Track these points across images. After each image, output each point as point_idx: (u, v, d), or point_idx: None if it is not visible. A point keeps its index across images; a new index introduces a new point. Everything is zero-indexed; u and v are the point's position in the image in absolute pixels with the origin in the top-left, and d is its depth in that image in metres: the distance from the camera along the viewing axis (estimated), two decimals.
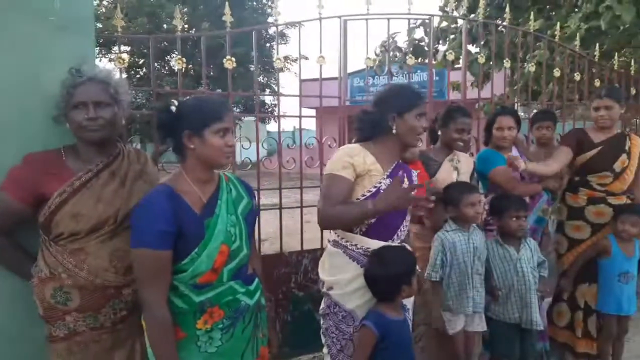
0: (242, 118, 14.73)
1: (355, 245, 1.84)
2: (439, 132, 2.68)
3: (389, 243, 1.86)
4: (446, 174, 2.57)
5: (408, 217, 1.96)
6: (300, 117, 3.18)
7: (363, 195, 1.82)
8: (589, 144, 2.86)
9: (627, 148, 2.83)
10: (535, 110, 3.65)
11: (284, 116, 3.50)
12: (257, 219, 1.78)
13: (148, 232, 1.42)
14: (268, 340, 1.76)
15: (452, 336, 2.36)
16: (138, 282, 1.47)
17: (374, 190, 1.82)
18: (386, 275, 1.75)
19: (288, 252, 3.07)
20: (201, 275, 1.49)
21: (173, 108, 1.55)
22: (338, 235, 1.88)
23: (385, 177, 1.86)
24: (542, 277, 2.53)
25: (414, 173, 2.06)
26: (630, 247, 2.72)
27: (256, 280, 1.68)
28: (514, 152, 2.82)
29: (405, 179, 1.93)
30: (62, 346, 1.62)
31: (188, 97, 1.65)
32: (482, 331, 2.44)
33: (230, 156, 1.58)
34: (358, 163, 1.81)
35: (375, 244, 1.82)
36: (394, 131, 1.86)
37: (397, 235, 1.90)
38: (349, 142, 2.13)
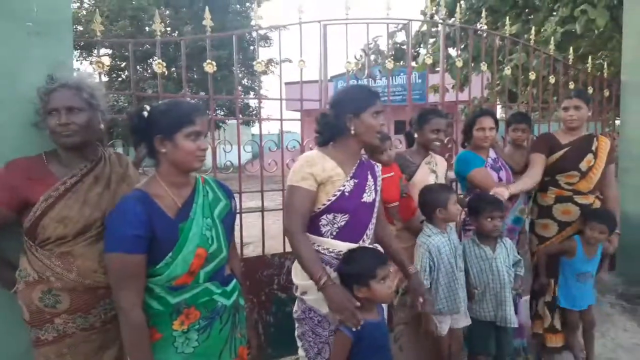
0: (226, 121, 14.66)
1: (327, 249, 1.85)
2: (415, 135, 2.72)
3: (360, 244, 1.88)
4: (424, 176, 2.62)
5: (373, 221, 1.96)
6: (281, 120, 3.21)
7: (329, 200, 1.83)
8: (557, 146, 2.95)
9: (593, 148, 2.93)
10: (511, 112, 3.73)
11: (266, 119, 3.52)
12: (235, 220, 1.78)
13: (122, 237, 1.42)
14: (247, 341, 1.77)
15: (439, 336, 2.39)
16: (112, 285, 1.46)
17: (338, 193, 1.83)
18: (342, 275, 1.78)
19: (270, 255, 3.09)
20: (177, 278, 1.49)
21: (145, 113, 1.54)
22: (310, 241, 1.88)
23: (348, 179, 1.87)
24: (518, 275, 2.59)
25: (377, 168, 2.07)
26: (593, 249, 2.80)
27: (233, 281, 1.69)
28: (491, 153, 2.88)
29: (369, 176, 1.95)
30: (51, 349, 1.62)
31: (161, 101, 1.63)
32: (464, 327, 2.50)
33: (203, 160, 1.57)
34: (317, 172, 1.82)
35: (346, 246, 1.84)
36: (352, 132, 1.87)
37: (367, 235, 1.92)
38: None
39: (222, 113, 16.44)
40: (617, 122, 5.15)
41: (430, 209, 2.37)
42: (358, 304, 1.73)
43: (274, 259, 3.07)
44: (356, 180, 1.89)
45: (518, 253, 2.73)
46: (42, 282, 1.60)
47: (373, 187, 1.96)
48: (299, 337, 1.96)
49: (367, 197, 1.92)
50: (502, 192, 2.54)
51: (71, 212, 1.60)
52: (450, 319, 2.42)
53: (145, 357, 1.44)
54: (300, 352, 1.97)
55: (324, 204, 1.84)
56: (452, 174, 3.12)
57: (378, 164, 2.15)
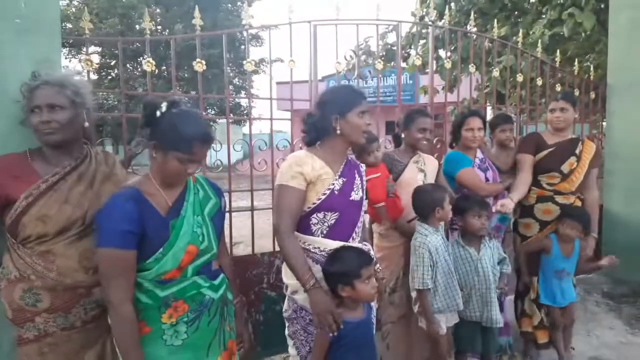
0: (217, 120, 14.63)
1: (318, 247, 1.87)
2: (402, 135, 2.75)
3: (349, 242, 1.90)
4: (411, 175, 2.64)
5: (361, 219, 1.99)
6: (271, 119, 3.22)
7: (319, 199, 1.84)
8: (543, 146, 3.01)
9: (577, 152, 2.98)
10: (494, 115, 3.77)
11: (257, 119, 3.53)
12: (224, 218, 1.79)
13: (113, 232, 1.44)
14: (237, 335, 1.79)
15: (435, 336, 2.39)
16: (102, 280, 1.48)
17: (328, 192, 1.85)
18: (326, 274, 1.79)
19: (260, 253, 3.09)
20: (166, 273, 1.52)
21: (158, 113, 1.51)
22: (300, 239, 1.89)
23: (337, 177, 1.89)
24: (504, 273, 2.62)
25: (362, 167, 2.11)
26: (569, 248, 2.85)
27: (221, 275, 1.71)
28: (479, 154, 2.91)
29: (356, 175, 1.99)
30: (32, 348, 1.62)
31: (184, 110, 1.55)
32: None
33: (191, 175, 1.59)
34: (307, 171, 1.83)
35: (336, 245, 1.86)
36: (338, 132, 1.88)
37: (356, 233, 1.95)
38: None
39: (213, 112, 16.37)
40: (604, 124, 5.22)
41: (429, 208, 2.38)
42: (339, 311, 1.75)
43: (264, 257, 3.07)
44: (344, 179, 1.91)
45: (504, 252, 2.76)
46: (23, 281, 1.60)
47: (360, 186, 1.99)
48: (290, 336, 1.97)
49: (355, 195, 1.94)
50: (508, 204, 2.63)
51: (51, 210, 1.59)
52: (446, 317, 2.43)
53: (134, 350, 1.46)
54: (292, 351, 1.98)
55: (314, 203, 1.85)
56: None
57: (362, 163, 2.18)
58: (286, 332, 2.00)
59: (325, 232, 1.88)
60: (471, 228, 2.51)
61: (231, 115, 2.87)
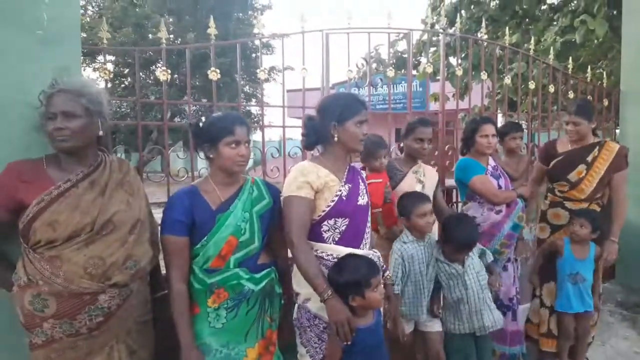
0: None
1: (331, 255, 1.87)
2: (401, 144, 2.78)
3: (361, 248, 1.91)
4: (409, 184, 2.63)
5: (369, 224, 2.01)
6: (284, 127, 3.25)
7: (328, 206, 1.85)
8: (554, 155, 3.03)
9: (589, 159, 2.92)
10: (504, 123, 3.77)
11: (268, 126, 3.56)
12: (278, 217, 1.92)
13: (169, 222, 1.75)
14: (278, 326, 1.97)
15: (430, 339, 2.40)
16: (164, 262, 1.79)
17: (336, 198, 1.87)
18: (334, 282, 1.77)
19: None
20: (211, 260, 1.76)
21: (201, 124, 1.87)
22: (312, 247, 1.89)
23: (343, 183, 1.91)
24: (490, 266, 2.53)
25: (363, 174, 2.12)
26: (583, 250, 2.82)
27: (267, 270, 1.86)
28: (491, 161, 2.90)
29: (360, 180, 2.02)
30: (40, 353, 1.64)
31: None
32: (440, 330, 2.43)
33: (243, 164, 1.82)
34: (313, 179, 1.85)
35: (349, 252, 1.86)
36: (335, 139, 1.90)
37: (365, 238, 1.96)
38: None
39: None
40: (617, 131, 5.17)
41: (402, 216, 2.37)
42: (354, 320, 1.75)
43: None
44: (350, 185, 1.93)
45: (515, 260, 2.73)
46: (31, 286, 1.61)
47: (365, 191, 2.01)
48: (303, 344, 1.96)
49: (362, 200, 1.96)
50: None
51: (61, 216, 1.60)
52: (411, 323, 2.42)
53: (185, 322, 1.72)
54: (307, 359, 1.95)
55: (324, 210, 1.86)
56: (451, 182, 3.14)
57: (367, 167, 2.21)
58: (297, 340, 1.99)
59: (337, 238, 1.88)
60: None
61: None
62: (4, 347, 1.85)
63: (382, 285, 1.88)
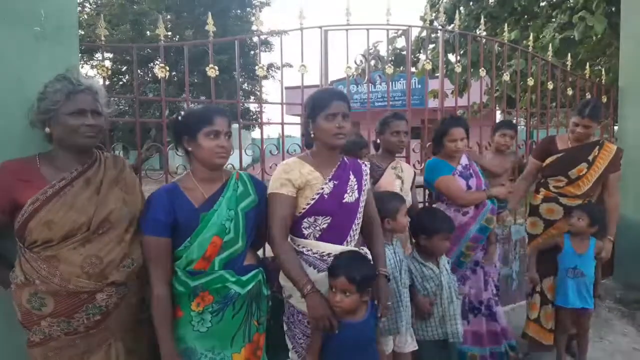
0: None
1: (311, 250, 1.87)
2: (378, 140, 2.76)
3: (344, 245, 1.89)
4: (389, 180, 2.61)
5: (357, 221, 1.95)
6: (282, 124, 3.24)
7: (308, 204, 1.85)
8: (554, 151, 3.06)
9: (590, 157, 2.96)
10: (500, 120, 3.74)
11: (267, 123, 3.55)
12: (264, 214, 1.88)
13: (149, 222, 1.69)
14: (266, 328, 1.90)
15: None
16: (146, 263, 1.71)
17: (317, 196, 1.86)
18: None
19: (271, 257, 3.09)
20: (194, 263, 1.69)
21: (179, 117, 1.80)
22: (294, 242, 1.91)
23: (327, 181, 1.89)
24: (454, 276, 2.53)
25: (364, 167, 2.06)
26: (583, 245, 2.84)
27: (253, 272, 1.78)
28: (463, 160, 2.83)
29: (352, 176, 1.96)
30: (38, 351, 1.64)
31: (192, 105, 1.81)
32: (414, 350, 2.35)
33: (224, 157, 1.75)
34: (294, 177, 1.85)
35: (330, 248, 1.86)
36: (311, 135, 1.91)
37: (350, 236, 1.92)
38: None
39: None
40: (616, 128, 5.18)
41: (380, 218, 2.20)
42: (334, 315, 1.74)
43: (275, 261, 3.07)
44: (336, 182, 1.90)
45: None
46: (28, 285, 1.60)
47: (356, 187, 1.96)
48: (290, 340, 1.97)
49: (349, 198, 1.92)
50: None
51: (56, 216, 1.59)
52: (391, 340, 2.28)
53: (166, 329, 1.66)
54: (292, 355, 1.96)
55: (304, 208, 1.86)
56: (421, 179, 3.08)
57: (367, 162, 2.15)
58: (286, 336, 1.99)
59: (317, 235, 1.88)
60: (437, 250, 2.38)
61: (242, 120, 2.89)
62: (3, 345, 1.84)
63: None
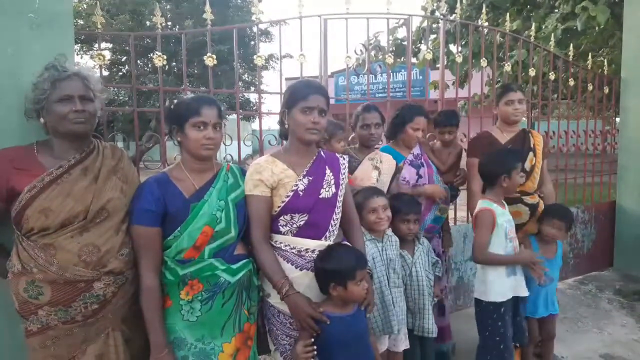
0: (227, 116, 14.67)
1: (289, 245, 1.82)
2: (352, 133, 2.70)
3: (322, 241, 1.83)
4: (365, 171, 2.53)
5: (336, 216, 1.89)
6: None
7: (282, 202, 1.80)
8: (497, 146, 2.78)
9: (532, 145, 2.80)
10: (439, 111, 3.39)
11: (266, 113, 3.53)
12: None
13: (138, 211, 1.67)
14: (256, 318, 1.88)
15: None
16: (135, 254, 1.69)
17: (291, 194, 1.80)
18: (318, 268, 1.75)
19: None
20: (184, 252, 1.69)
21: (172, 106, 1.78)
22: (271, 238, 1.85)
23: (301, 178, 1.83)
24: (437, 276, 2.48)
25: (342, 160, 1.99)
26: (550, 249, 2.67)
27: (243, 261, 1.78)
28: (415, 149, 2.77)
29: (328, 170, 1.90)
30: (36, 340, 1.63)
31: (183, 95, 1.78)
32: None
33: (211, 149, 1.73)
34: (266, 177, 1.80)
35: (307, 243, 1.81)
36: (286, 127, 1.87)
37: (330, 231, 1.86)
38: None
39: (223, 108, 16.36)
40: (617, 119, 5.15)
41: (359, 212, 2.13)
42: (320, 309, 1.72)
43: None
44: (310, 178, 1.84)
45: (441, 253, 2.68)
46: (25, 274, 1.60)
47: (333, 182, 1.90)
48: (272, 341, 1.91)
49: (326, 193, 1.86)
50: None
51: (53, 203, 1.58)
52: (387, 339, 2.24)
53: (156, 320, 1.66)
54: (276, 356, 1.89)
55: (279, 206, 1.81)
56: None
57: (344, 155, 2.08)
58: (268, 333, 1.93)
59: (294, 232, 1.83)
60: (398, 232, 2.34)
61: (241, 110, 2.86)
62: (1, 335, 1.84)
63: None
